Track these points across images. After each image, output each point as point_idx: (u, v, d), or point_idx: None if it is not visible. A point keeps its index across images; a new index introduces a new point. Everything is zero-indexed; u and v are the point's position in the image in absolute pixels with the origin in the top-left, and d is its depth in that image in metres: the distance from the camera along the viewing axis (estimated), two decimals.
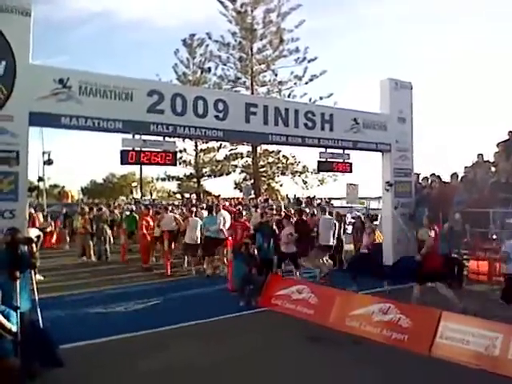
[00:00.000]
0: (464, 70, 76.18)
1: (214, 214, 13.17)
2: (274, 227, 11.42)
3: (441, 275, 8.44)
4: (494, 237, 10.74)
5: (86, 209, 16.39)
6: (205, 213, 14.69)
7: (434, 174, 13.57)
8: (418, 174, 13.83)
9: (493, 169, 12.81)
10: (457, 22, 67.69)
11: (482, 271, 10.45)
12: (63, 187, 47.64)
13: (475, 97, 78.13)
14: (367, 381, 5.58)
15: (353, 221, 15.20)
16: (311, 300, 8.40)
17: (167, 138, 9.91)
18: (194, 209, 15.25)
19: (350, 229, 14.91)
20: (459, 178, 12.86)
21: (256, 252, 10.19)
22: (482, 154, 13.05)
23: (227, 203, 19.78)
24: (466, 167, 13.41)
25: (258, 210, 15.43)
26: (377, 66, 60.19)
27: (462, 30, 71.23)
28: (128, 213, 18.35)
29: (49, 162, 25.70)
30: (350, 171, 12.57)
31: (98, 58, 62.30)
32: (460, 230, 10.69)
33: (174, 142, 10.36)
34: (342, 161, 12.24)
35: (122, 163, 9.43)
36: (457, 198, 11.78)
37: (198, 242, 12.99)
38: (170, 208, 16.09)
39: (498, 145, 13.15)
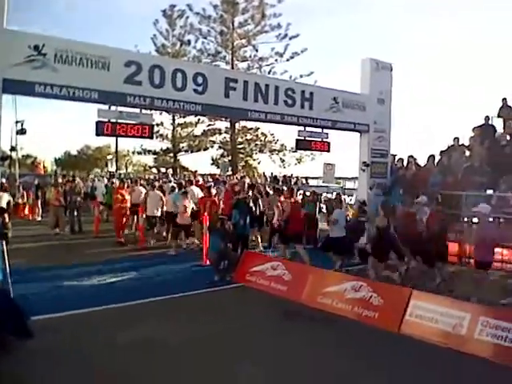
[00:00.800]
0: (453, 55, 76.58)
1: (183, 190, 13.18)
2: (251, 204, 11.44)
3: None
4: (466, 219, 10.97)
5: (60, 180, 16.08)
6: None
7: (411, 156, 13.72)
8: (394, 156, 13.97)
9: (467, 153, 13.00)
10: (448, 10, 67.56)
11: (452, 252, 10.67)
12: (35, 158, 46.69)
13: (462, 82, 78.69)
14: (338, 356, 5.69)
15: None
16: (285, 277, 8.47)
17: (144, 111, 9.77)
18: (157, 183, 15.60)
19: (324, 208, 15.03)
20: (435, 161, 13.02)
21: (232, 228, 10.22)
22: (457, 138, 13.22)
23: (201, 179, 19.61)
24: (441, 151, 13.58)
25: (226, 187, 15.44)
26: (365, 51, 59.76)
27: (453, 19, 71.28)
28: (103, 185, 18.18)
29: (22, 132, 24.96)
30: (328, 151, 12.66)
31: (77, 27, 60.12)
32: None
33: (151, 115, 10.24)
34: (320, 140, 12.31)
35: (97, 134, 9.29)
36: (431, 180, 11.96)
37: (158, 214, 13.20)
38: (140, 182, 16.33)
39: (473, 129, 13.34)
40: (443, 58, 74.60)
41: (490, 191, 10.91)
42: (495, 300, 7.43)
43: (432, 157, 13.27)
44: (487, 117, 13.42)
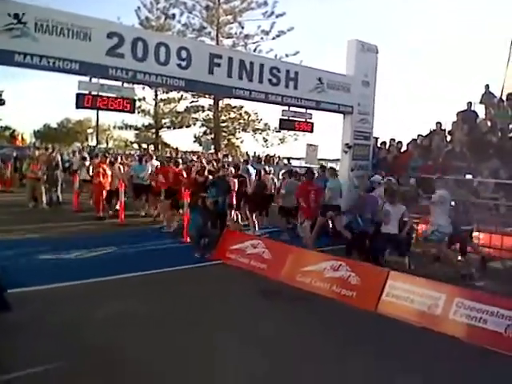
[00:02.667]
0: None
1: (144, 163, 14.11)
2: (230, 182, 11.40)
3: None
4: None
5: (37, 153, 15.77)
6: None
7: (392, 139, 13.81)
8: (377, 138, 14.04)
9: (449, 137, 13.14)
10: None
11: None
12: (14, 130, 45.62)
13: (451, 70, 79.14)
14: (314, 333, 5.76)
15: None
16: (265, 255, 8.52)
17: (126, 84, 9.57)
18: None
19: None
20: (416, 145, 13.14)
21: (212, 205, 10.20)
22: (440, 123, 13.34)
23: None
24: (419, 135, 13.65)
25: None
26: (353, 34, 59.47)
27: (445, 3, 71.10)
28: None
29: (0, 103, 24.31)
30: (311, 131, 12.62)
31: None
32: (414, 194, 11.00)
33: (133, 89, 10.01)
34: (303, 120, 12.25)
35: (77, 107, 9.10)
36: (412, 163, 12.08)
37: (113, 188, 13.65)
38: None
39: (457, 114, 13.47)
40: (435, 43, 74.92)
41: (469, 176, 11.07)
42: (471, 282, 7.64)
43: (414, 141, 13.40)
44: (470, 103, 13.56)
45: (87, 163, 16.15)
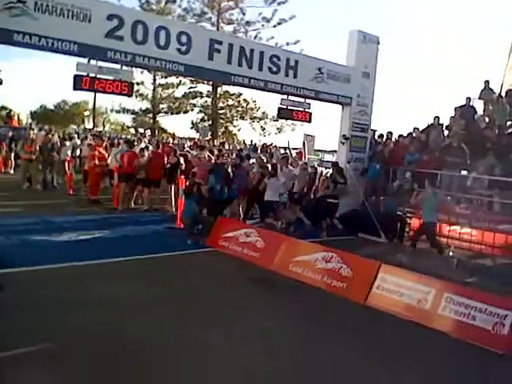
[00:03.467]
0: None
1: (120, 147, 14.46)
2: (229, 170, 11.39)
3: None
4: None
5: (32, 134, 15.63)
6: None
7: (390, 132, 13.81)
8: (375, 131, 14.02)
9: (446, 132, 13.13)
10: None
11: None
12: (10, 110, 45.23)
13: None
14: (303, 324, 5.79)
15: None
16: (258, 244, 8.52)
17: (124, 67, 9.51)
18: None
19: None
20: (413, 138, 13.13)
21: (208, 193, 10.20)
22: (438, 117, 13.32)
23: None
24: (416, 128, 13.61)
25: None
26: (355, 24, 59.04)
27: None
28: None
29: None
30: (309, 121, 12.62)
31: None
32: (409, 188, 11.03)
33: (132, 72, 9.98)
34: (302, 109, 12.24)
35: (74, 88, 9.05)
36: (408, 157, 12.09)
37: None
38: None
39: (455, 109, 13.44)
40: (435, 35, 74.49)
41: (464, 172, 11.10)
42: (460, 278, 7.69)
43: (410, 134, 13.40)
44: (468, 98, 13.53)
45: (68, 143, 16.08)
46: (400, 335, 5.70)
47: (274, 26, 32.40)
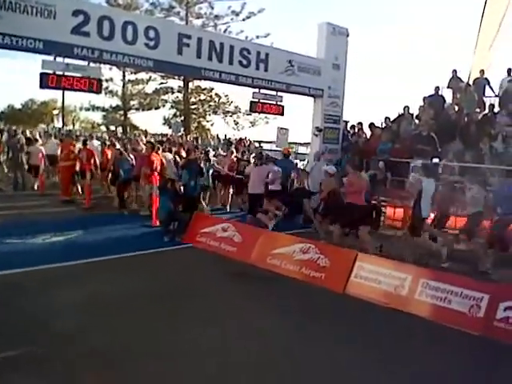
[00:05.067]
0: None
1: None
2: (202, 165, 11.32)
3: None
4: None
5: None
6: None
7: (360, 123, 13.94)
8: (347, 122, 14.15)
9: (416, 121, 13.32)
10: None
11: (397, 218, 11.06)
12: None
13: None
14: (282, 315, 5.81)
15: None
16: (235, 238, 8.50)
17: (92, 64, 9.34)
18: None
19: None
20: (385, 128, 13.30)
21: (182, 189, 10.12)
22: (407, 107, 13.50)
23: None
24: (387, 118, 13.78)
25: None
26: (324, 16, 59.04)
27: None
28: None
29: None
30: (282, 114, 12.64)
31: None
32: (382, 177, 11.17)
33: (100, 68, 9.82)
34: (274, 103, 12.24)
35: (41, 87, 8.87)
36: (381, 146, 12.23)
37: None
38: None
39: (424, 99, 13.65)
40: (406, 25, 75.28)
41: (436, 160, 11.28)
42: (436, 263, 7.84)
43: (382, 124, 13.56)
44: (437, 87, 13.76)
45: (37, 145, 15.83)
46: (379, 322, 5.76)
47: (244, 20, 32.36)
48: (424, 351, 4.97)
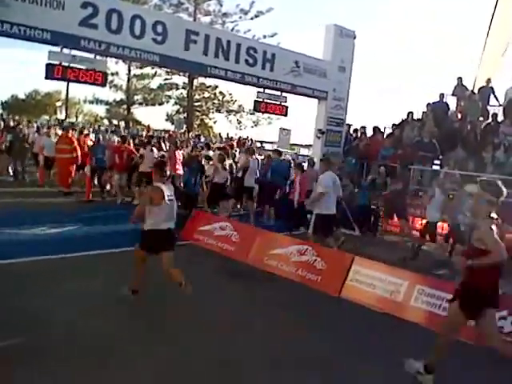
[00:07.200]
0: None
1: None
2: (203, 163, 11.33)
3: None
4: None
5: (1, 125, 15.21)
6: None
7: (363, 127, 13.94)
8: (350, 125, 14.14)
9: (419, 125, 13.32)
10: None
11: (395, 223, 11.02)
12: None
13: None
14: (277, 317, 5.80)
15: None
16: (233, 237, 8.50)
17: (98, 57, 9.34)
18: None
19: None
20: (388, 134, 13.31)
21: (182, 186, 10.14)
22: (412, 113, 13.51)
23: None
24: (393, 124, 13.83)
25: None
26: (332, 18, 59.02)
27: None
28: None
29: None
30: (285, 115, 12.63)
31: None
32: (382, 182, 11.16)
33: (106, 62, 9.81)
34: (278, 103, 12.23)
35: (46, 77, 8.86)
36: (383, 152, 12.23)
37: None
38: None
39: (427, 105, 13.65)
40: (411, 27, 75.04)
41: (437, 167, 11.29)
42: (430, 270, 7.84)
43: (385, 129, 13.57)
44: (442, 94, 13.76)
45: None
46: (374, 327, 5.76)
47: (252, 19, 32.39)
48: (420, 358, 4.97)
